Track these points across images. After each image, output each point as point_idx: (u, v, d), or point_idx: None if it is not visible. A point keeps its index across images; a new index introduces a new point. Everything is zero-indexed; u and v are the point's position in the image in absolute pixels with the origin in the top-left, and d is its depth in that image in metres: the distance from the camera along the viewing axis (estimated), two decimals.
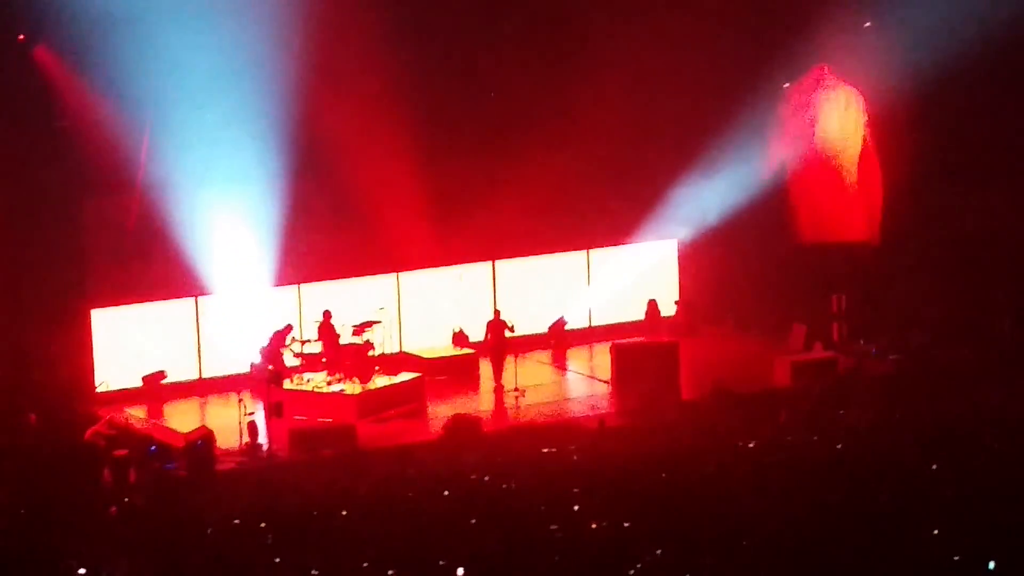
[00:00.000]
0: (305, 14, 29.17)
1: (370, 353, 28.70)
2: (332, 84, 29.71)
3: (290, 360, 28.98)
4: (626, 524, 20.46)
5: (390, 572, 19.07)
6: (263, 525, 20.98)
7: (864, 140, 32.88)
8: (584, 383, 30.45)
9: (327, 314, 29.04)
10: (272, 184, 30.31)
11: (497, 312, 30.50)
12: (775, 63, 32.40)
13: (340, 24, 29.40)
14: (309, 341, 29.01)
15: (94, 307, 29.17)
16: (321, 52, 29.39)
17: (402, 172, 31.00)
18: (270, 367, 27.85)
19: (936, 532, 19.90)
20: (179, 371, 29.89)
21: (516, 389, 29.43)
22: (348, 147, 30.19)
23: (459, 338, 31.64)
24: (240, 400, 26.89)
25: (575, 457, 24.53)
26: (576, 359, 31.93)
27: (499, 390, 29.63)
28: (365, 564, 19.27)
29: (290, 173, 30.20)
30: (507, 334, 30.23)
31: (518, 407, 28.79)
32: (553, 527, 20.35)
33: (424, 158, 30.80)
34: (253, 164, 29.79)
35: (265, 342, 28.80)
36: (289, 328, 29.12)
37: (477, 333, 31.32)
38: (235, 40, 28.73)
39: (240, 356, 29.67)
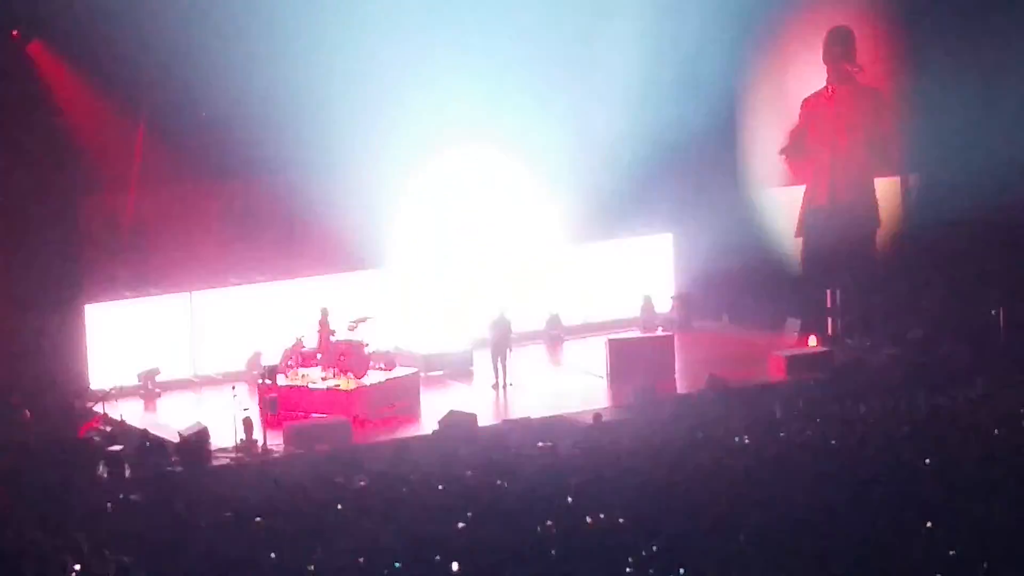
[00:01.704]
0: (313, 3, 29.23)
1: (365, 349, 28.69)
2: (333, 76, 29.66)
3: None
4: (621, 519, 20.51)
5: (385, 567, 19.11)
6: (258, 520, 21.02)
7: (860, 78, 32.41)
8: (579, 378, 30.42)
9: (324, 311, 29.02)
10: (267, 178, 30.33)
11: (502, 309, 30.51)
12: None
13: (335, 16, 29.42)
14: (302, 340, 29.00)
15: (89, 302, 29.15)
16: (316, 44, 29.40)
17: (403, 165, 31.04)
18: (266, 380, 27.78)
19: (930, 525, 19.96)
20: (174, 367, 29.88)
21: (511, 384, 29.46)
22: (343, 141, 30.21)
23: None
24: (235, 396, 26.89)
25: (570, 452, 24.56)
26: (571, 354, 31.89)
27: (499, 387, 29.59)
28: (361, 559, 19.30)
29: (286, 167, 30.21)
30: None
31: (513, 402, 28.82)
32: (548, 522, 20.38)
33: (417, 150, 30.84)
34: (249, 157, 29.80)
35: (276, 360, 28.80)
36: (300, 345, 28.99)
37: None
38: (231, 33, 28.75)
39: (236, 352, 29.73)
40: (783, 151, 31.47)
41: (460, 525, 20.36)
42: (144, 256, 29.79)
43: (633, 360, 29.38)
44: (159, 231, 29.89)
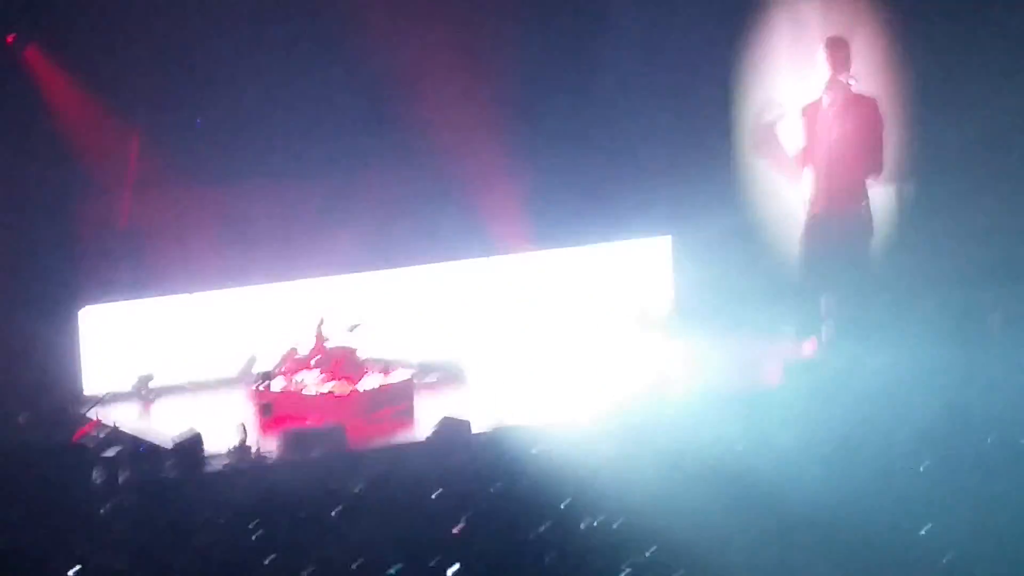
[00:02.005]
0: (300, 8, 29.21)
1: (360, 354, 28.69)
2: (330, 77, 29.65)
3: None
4: (615, 525, 20.53)
5: (381, 572, 19.12)
6: (252, 526, 21.02)
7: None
8: (575, 382, 30.36)
9: (319, 317, 29.02)
10: (263, 181, 30.33)
11: None
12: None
13: (336, 16, 29.43)
14: (302, 342, 28.98)
15: (83, 306, 29.11)
16: (314, 45, 29.41)
17: (390, 167, 31.03)
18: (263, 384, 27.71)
19: (924, 532, 20.00)
20: (169, 371, 29.85)
21: (508, 387, 29.45)
22: (339, 144, 30.22)
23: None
24: (229, 401, 26.88)
25: (566, 457, 24.56)
26: (566, 358, 31.83)
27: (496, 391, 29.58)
28: (356, 565, 19.31)
29: (282, 170, 30.21)
30: None
31: (508, 407, 28.78)
32: (543, 527, 20.40)
33: (415, 150, 30.82)
34: (247, 161, 29.78)
35: (272, 367, 28.75)
36: (295, 350, 28.97)
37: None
38: (230, 35, 28.77)
39: (230, 357, 29.71)
40: (755, 145, 31.40)
41: (455, 531, 20.39)
42: (139, 260, 29.75)
43: (630, 363, 29.44)
44: (155, 234, 29.85)
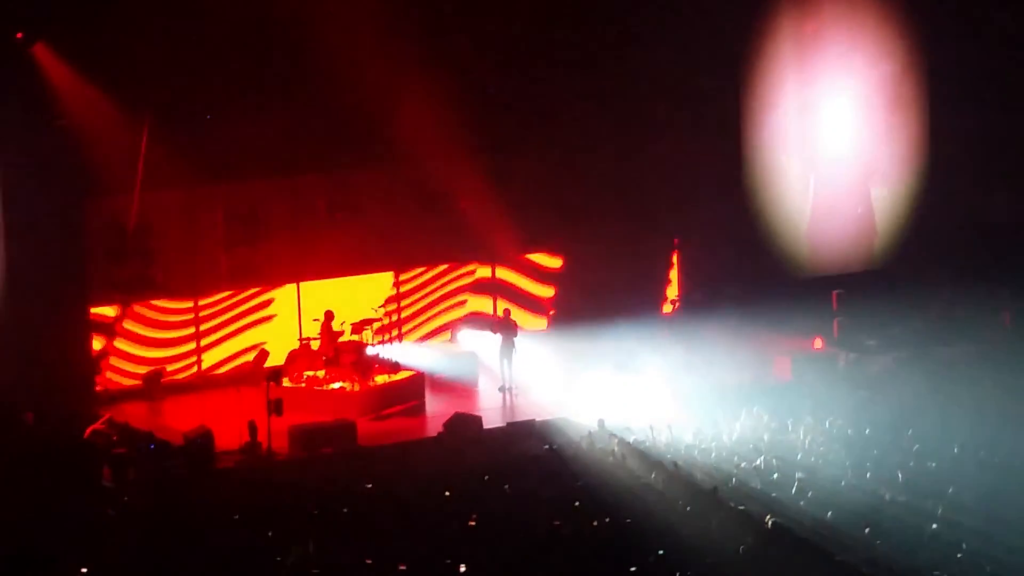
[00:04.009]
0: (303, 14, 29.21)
1: (370, 351, 28.69)
2: (337, 78, 29.65)
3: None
4: (628, 520, 20.54)
5: (391, 569, 19.12)
6: (263, 523, 21.01)
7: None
8: (583, 380, 30.33)
9: (328, 314, 29.03)
10: (271, 182, 30.35)
11: (507, 311, 30.44)
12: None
13: (342, 20, 29.43)
14: (311, 339, 29.00)
15: (93, 304, 29.12)
16: (321, 47, 29.41)
17: (399, 170, 31.04)
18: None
19: (935, 527, 20.01)
20: (178, 369, 29.90)
21: (513, 389, 29.40)
22: (347, 145, 30.23)
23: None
24: (239, 398, 26.88)
25: (575, 454, 24.57)
26: (574, 356, 31.80)
27: (505, 390, 29.48)
28: (368, 561, 19.31)
29: (288, 171, 30.22)
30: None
31: (518, 405, 28.78)
32: (556, 523, 20.41)
33: (419, 158, 30.84)
34: (252, 162, 29.80)
35: (281, 362, 28.75)
36: (305, 346, 28.97)
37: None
38: (236, 37, 28.78)
39: (240, 354, 29.77)
40: None
41: (466, 527, 20.38)
42: (148, 258, 29.79)
43: (637, 363, 29.41)
44: (163, 233, 29.87)
